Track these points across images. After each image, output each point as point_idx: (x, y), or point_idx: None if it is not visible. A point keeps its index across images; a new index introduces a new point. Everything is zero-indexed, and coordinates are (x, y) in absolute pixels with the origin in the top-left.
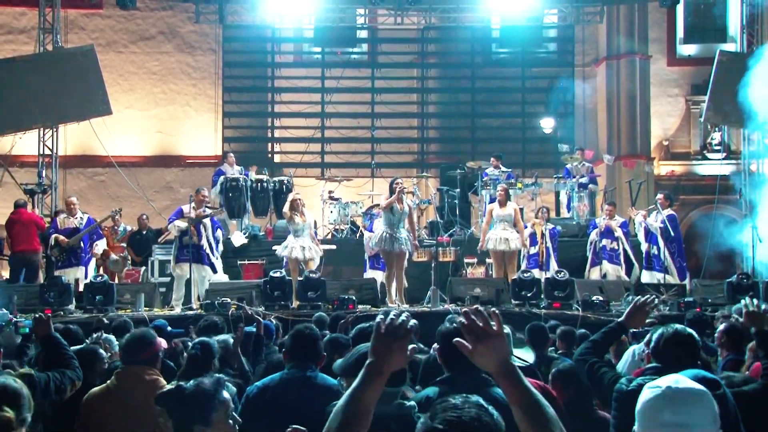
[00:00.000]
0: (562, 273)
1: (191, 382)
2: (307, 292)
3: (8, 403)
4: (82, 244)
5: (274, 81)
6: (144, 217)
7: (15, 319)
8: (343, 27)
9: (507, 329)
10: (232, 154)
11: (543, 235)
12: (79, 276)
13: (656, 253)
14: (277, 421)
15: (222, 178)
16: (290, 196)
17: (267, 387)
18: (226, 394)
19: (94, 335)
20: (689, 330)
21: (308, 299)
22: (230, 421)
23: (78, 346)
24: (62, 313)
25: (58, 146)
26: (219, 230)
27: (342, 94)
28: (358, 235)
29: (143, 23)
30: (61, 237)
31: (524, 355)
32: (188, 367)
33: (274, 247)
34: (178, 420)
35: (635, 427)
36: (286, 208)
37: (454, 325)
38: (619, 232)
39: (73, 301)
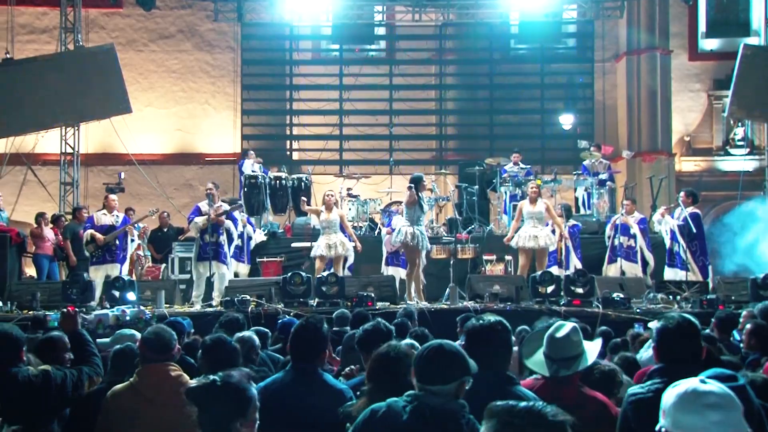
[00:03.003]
0: (582, 270)
1: (219, 374)
2: (326, 289)
3: None
4: (117, 242)
5: (293, 78)
6: (165, 214)
7: (147, 315)
8: (361, 24)
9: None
10: (252, 152)
11: (565, 235)
12: (114, 273)
13: (678, 250)
14: (278, 421)
15: (243, 177)
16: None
17: (269, 386)
18: (254, 390)
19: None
20: (689, 318)
21: (327, 296)
22: (256, 417)
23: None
24: (84, 310)
25: (80, 144)
26: (249, 225)
27: (360, 91)
28: (376, 232)
29: (162, 22)
30: (98, 234)
31: (592, 347)
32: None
33: (293, 244)
34: (214, 415)
35: (662, 423)
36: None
37: (480, 322)
38: (635, 229)
39: (96, 299)
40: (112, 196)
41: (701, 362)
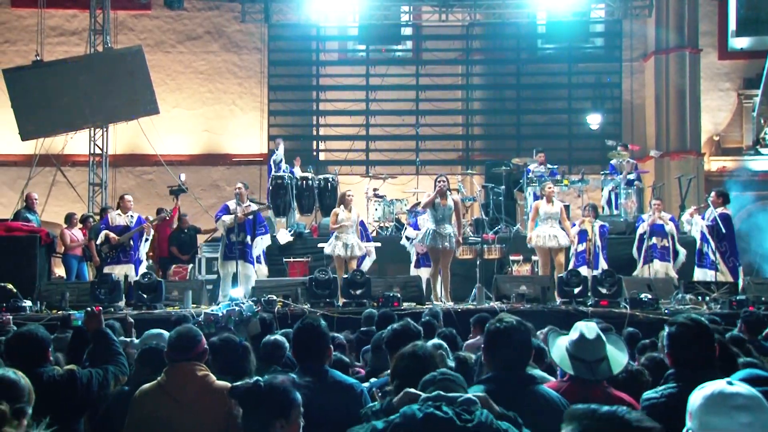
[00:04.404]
0: (609, 271)
1: (265, 377)
2: (352, 289)
3: (4, 394)
4: (131, 242)
5: (319, 79)
6: (185, 216)
7: (260, 311)
8: (388, 24)
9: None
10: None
11: (594, 233)
12: (129, 273)
13: (707, 250)
14: None
15: (272, 175)
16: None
17: None
18: (297, 393)
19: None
20: (699, 320)
21: (353, 297)
22: (300, 421)
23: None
24: (112, 309)
25: (108, 145)
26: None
27: (386, 92)
28: (402, 232)
29: (190, 23)
30: (112, 234)
31: (618, 356)
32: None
33: (320, 245)
34: (256, 414)
35: (689, 426)
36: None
37: (499, 323)
38: (670, 226)
39: (123, 298)
40: (128, 197)
41: (715, 364)
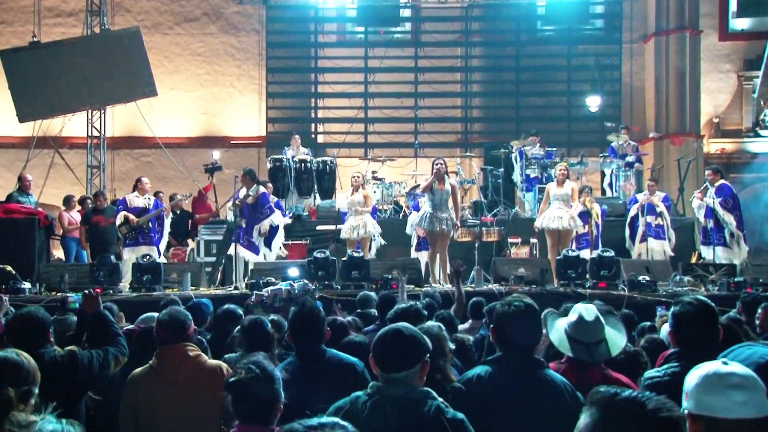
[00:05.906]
0: (608, 252)
1: (252, 367)
2: (350, 271)
3: (9, 377)
4: (149, 224)
5: (318, 61)
6: (179, 197)
7: (312, 288)
8: (386, 6)
9: (595, 310)
10: (297, 137)
11: (598, 215)
12: (153, 255)
13: (713, 226)
14: (296, 405)
15: (271, 158)
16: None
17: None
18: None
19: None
20: (705, 301)
21: (352, 279)
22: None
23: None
24: (111, 291)
25: (106, 128)
26: (278, 210)
27: (385, 74)
28: (401, 215)
29: (188, 5)
30: (131, 216)
31: (617, 338)
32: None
33: (318, 227)
34: (256, 403)
35: (686, 405)
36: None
37: (509, 307)
38: (661, 207)
39: (125, 281)
40: (145, 179)
41: (718, 345)
